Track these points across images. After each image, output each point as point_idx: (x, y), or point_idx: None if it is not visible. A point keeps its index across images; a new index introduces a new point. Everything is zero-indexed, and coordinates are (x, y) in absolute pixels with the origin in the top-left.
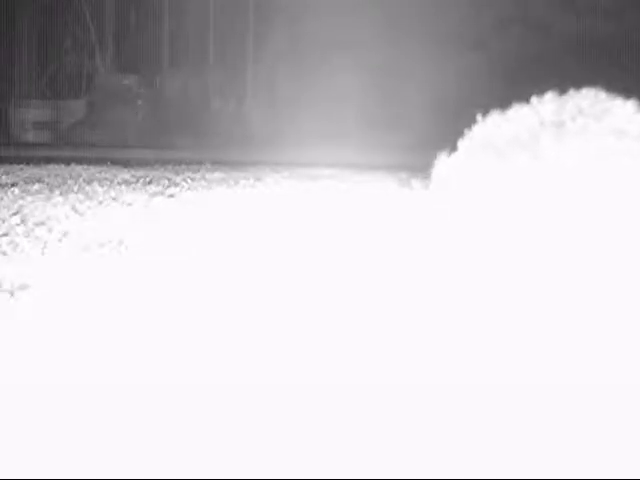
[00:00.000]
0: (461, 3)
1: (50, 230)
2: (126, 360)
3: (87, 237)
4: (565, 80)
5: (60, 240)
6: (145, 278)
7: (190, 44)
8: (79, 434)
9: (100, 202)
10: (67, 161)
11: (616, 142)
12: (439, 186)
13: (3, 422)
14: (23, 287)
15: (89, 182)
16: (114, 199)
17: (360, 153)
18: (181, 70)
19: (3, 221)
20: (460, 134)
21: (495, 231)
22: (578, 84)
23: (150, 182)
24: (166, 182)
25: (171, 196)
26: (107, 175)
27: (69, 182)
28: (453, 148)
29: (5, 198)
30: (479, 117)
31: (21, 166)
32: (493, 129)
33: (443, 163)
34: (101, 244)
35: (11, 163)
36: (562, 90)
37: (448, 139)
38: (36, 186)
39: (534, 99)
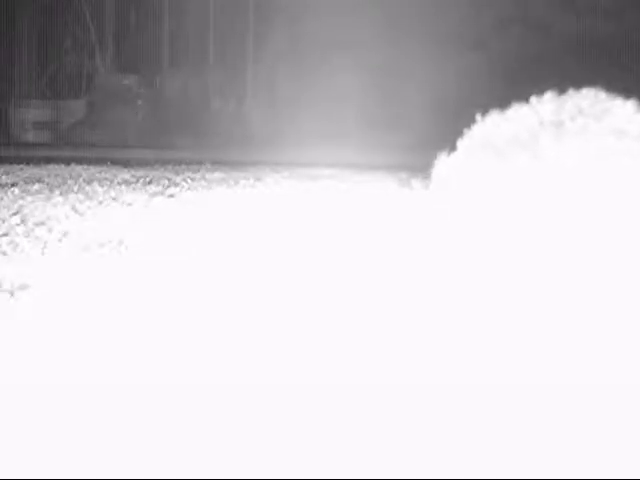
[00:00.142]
0: (461, 3)
1: (50, 230)
2: (126, 360)
3: (87, 237)
4: (565, 80)
5: (60, 240)
6: (145, 278)
7: (190, 44)
8: (79, 434)
9: (100, 202)
10: (67, 161)
11: (616, 142)
12: (439, 186)
13: (3, 422)
14: (23, 287)
15: (89, 182)
16: (114, 199)
17: (360, 153)
18: (181, 70)
19: (3, 221)
20: (460, 134)
21: (495, 231)
22: (578, 84)
23: (150, 182)
24: (166, 182)
25: (171, 196)
26: (107, 175)
27: (69, 182)
28: (453, 148)
29: (5, 198)
30: (479, 117)
31: (21, 166)
32: (493, 129)
33: (443, 163)
34: (101, 244)
35: (11, 163)
36: (562, 90)
37: (448, 139)
38: (36, 186)
39: (534, 99)
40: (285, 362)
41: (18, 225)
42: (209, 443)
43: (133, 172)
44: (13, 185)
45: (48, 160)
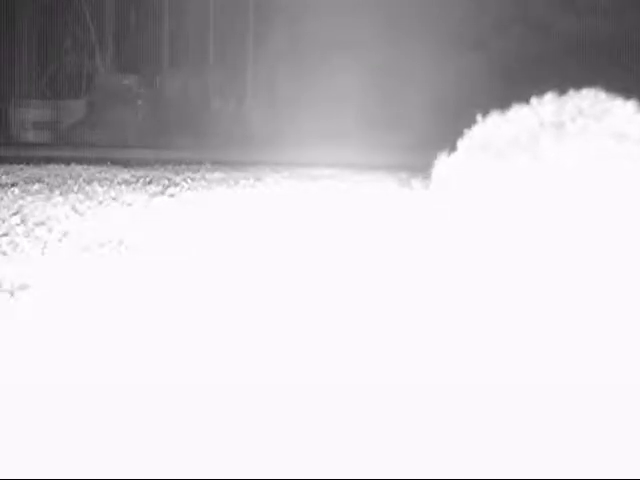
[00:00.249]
0: (461, 3)
1: (50, 230)
2: (126, 360)
3: (87, 237)
4: (565, 80)
5: (60, 240)
6: (145, 278)
7: (190, 44)
8: (79, 434)
9: (100, 202)
10: (67, 161)
11: (616, 145)
12: (439, 186)
13: (3, 422)
14: (23, 287)
15: (89, 182)
16: (114, 199)
17: (360, 153)
18: (181, 70)
19: (3, 221)
20: (460, 134)
21: (495, 231)
22: (578, 84)
23: (150, 182)
24: (166, 182)
25: (171, 196)
26: (107, 175)
27: (69, 182)
28: (453, 148)
29: (5, 198)
30: (479, 117)
31: (21, 166)
32: (493, 130)
33: (443, 163)
34: (101, 244)
35: (11, 163)
36: (562, 90)
37: (448, 139)
38: (36, 186)
39: (534, 100)
40: (285, 362)
41: (18, 225)
42: (209, 443)
43: (133, 172)
44: (13, 185)
45: (48, 160)
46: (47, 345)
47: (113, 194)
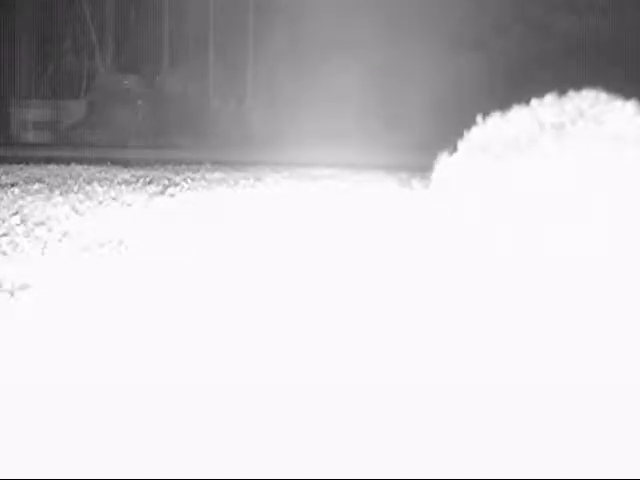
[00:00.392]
0: (461, 3)
1: (50, 230)
2: (126, 360)
3: (87, 237)
4: (565, 80)
5: (60, 240)
6: (145, 278)
7: (190, 44)
8: (79, 434)
9: (100, 202)
10: (67, 161)
11: (615, 146)
12: (439, 187)
13: (3, 422)
14: (23, 287)
15: (89, 182)
16: (114, 199)
17: (360, 153)
18: (181, 70)
19: (3, 221)
20: (460, 134)
21: (494, 232)
22: (578, 84)
23: (150, 182)
24: (166, 182)
25: (171, 196)
26: (107, 175)
27: (69, 182)
28: (453, 149)
29: (5, 198)
30: (479, 118)
31: (21, 166)
32: (493, 131)
33: (443, 164)
34: (101, 244)
35: (11, 163)
36: (562, 91)
37: (448, 139)
38: (36, 186)
39: (534, 101)
40: (285, 362)
41: (18, 225)
42: (209, 443)
43: (133, 172)
44: (13, 185)
45: (48, 160)
46: (47, 345)
47: (113, 194)
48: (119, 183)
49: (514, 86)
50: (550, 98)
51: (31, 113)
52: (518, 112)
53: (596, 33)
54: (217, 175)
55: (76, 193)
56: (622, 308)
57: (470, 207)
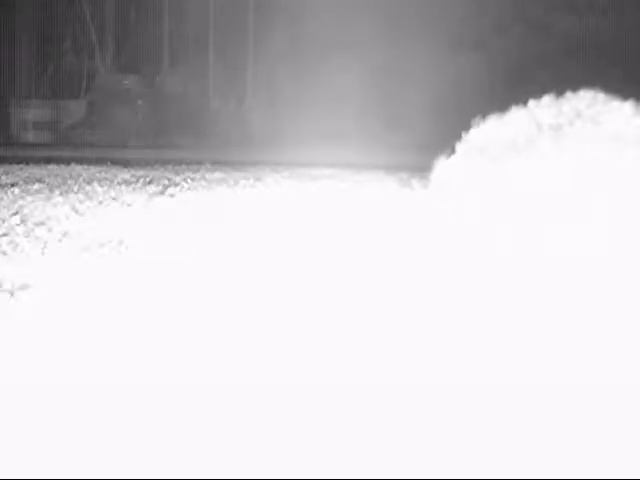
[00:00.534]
0: (461, 3)
1: (50, 230)
2: (126, 360)
3: (87, 237)
4: (565, 80)
5: (60, 240)
6: (145, 278)
7: (190, 44)
8: (79, 434)
9: (100, 202)
10: (67, 161)
11: (613, 146)
12: (439, 187)
13: (3, 422)
14: (23, 287)
15: (89, 182)
16: (114, 199)
17: (360, 153)
18: (181, 70)
19: (3, 221)
20: (460, 134)
21: (494, 232)
22: (578, 85)
23: (150, 182)
24: (166, 182)
25: (171, 196)
26: (107, 175)
27: (69, 182)
28: (452, 149)
29: (5, 198)
30: (478, 119)
31: (21, 166)
32: (491, 132)
33: (442, 165)
34: (101, 244)
35: (11, 163)
36: (561, 91)
37: (448, 139)
38: (36, 186)
39: (531, 102)
40: (285, 362)
41: (18, 225)
42: (209, 443)
43: (133, 172)
44: (13, 185)
45: (48, 160)
46: (47, 345)
47: (113, 194)
48: (119, 183)
49: (514, 86)
50: (548, 99)
51: (31, 113)
52: (516, 113)
53: (596, 33)
54: (217, 175)
55: (76, 193)
56: (622, 308)
57: (469, 207)
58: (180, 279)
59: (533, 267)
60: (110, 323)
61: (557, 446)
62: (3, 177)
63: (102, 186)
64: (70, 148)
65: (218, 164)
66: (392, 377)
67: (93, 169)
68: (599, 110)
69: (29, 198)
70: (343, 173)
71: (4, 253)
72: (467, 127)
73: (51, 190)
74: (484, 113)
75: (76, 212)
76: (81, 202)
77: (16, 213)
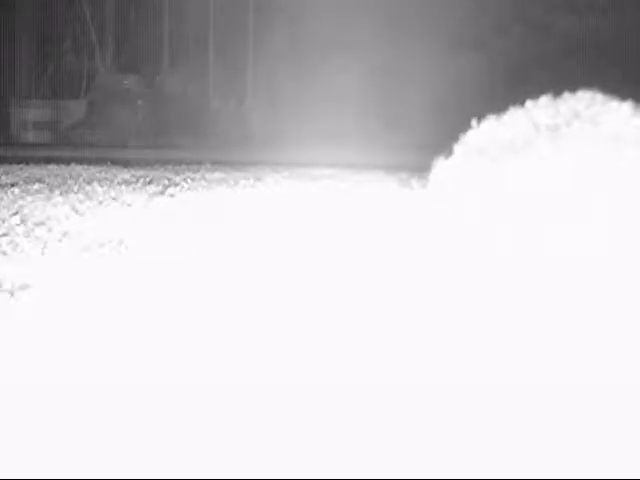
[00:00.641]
0: (461, 3)
1: (50, 230)
2: (126, 360)
3: (87, 237)
4: (564, 81)
5: (60, 240)
6: (145, 278)
7: (190, 44)
8: (79, 434)
9: (100, 202)
10: (67, 161)
11: (611, 146)
12: (438, 187)
13: (3, 422)
14: (23, 287)
15: (89, 182)
16: (114, 199)
17: (360, 153)
18: (181, 70)
19: (3, 221)
20: (460, 134)
21: (494, 232)
22: (577, 85)
23: (150, 182)
24: (166, 182)
25: (171, 196)
26: (107, 175)
27: (69, 182)
28: (452, 150)
29: (5, 198)
30: (478, 119)
31: (21, 166)
32: (489, 133)
33: (441, 166)
34: (101, 244)
35: (11, 163)
36: (560, 91)
37: (448, 139)
38: (36, 186)
39: (529, 103)
40: (285, 362)
41: (18, 225)
42: (209, 443)
43: (133, 172)
44: (13, 185)
45: (48, 160)
46: (47, 345)
47: (113, 194)
48: (119, 183)
49: (514, 86)
50: (545, 100)
51: (31, 113)
52: (514, 114)
53: (596, 33)
54: (217, 175)
55: (76, 193)
56: (621, 308)
57: (469, 207)
58: (180, 279)
59: (533, 267)
60: (110, 323)
61: (557, 446)
62: (3, 177)
63: (102, 186)
64: (70, 148)
65: (218, 164)
66: (392, 377)
67: (93, 169)
68: (597, 110)
69: (29, 198)
70: (343, 173)
71: (4, 253)
72: (467, 127)
73: (51, 190)
74: (484, 113)
75: (76, 212)
76: (81, 202)
77: (16, 213)
